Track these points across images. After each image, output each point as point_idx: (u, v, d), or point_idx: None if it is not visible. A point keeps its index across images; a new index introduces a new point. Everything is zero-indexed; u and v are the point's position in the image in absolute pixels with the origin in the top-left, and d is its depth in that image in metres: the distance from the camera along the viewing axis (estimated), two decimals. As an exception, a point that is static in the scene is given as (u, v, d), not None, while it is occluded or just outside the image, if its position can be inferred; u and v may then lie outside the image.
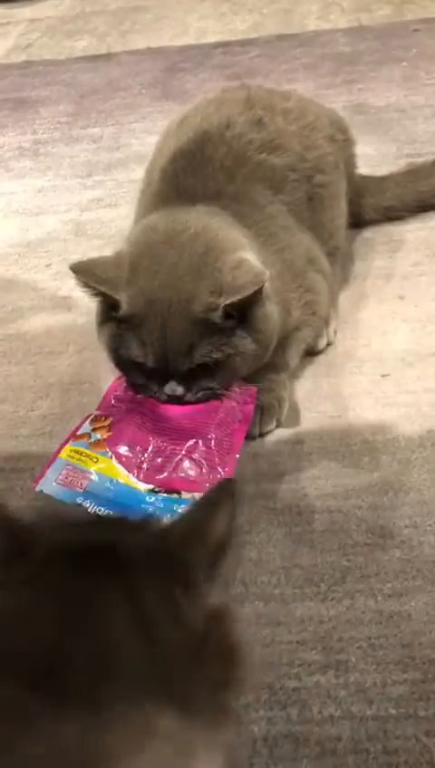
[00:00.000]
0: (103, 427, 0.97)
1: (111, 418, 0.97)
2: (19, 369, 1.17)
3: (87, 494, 0.90)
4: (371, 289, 1.24)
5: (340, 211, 1.20)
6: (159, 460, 0.92)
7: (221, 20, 2.37)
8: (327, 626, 0.81)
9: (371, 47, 2.04)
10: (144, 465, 0.92)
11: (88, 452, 0.94)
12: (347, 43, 2.09)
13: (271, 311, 0.94)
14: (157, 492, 0.89)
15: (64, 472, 0.92)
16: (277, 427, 1.02)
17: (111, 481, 0.90)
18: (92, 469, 0.92)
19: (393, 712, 0.73)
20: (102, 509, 0.88)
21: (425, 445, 0.98)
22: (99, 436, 0.95)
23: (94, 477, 0.91)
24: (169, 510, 0.87)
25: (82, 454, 0.94)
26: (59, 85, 2.06)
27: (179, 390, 0.93)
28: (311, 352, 1.12)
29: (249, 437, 1.01)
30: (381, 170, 1.46)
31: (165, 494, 0.89)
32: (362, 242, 1.34)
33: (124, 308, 0.91)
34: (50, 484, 0.90)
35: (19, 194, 1.60)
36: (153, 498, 0.89)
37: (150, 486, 0.90)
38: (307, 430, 1.02)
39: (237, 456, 0.93)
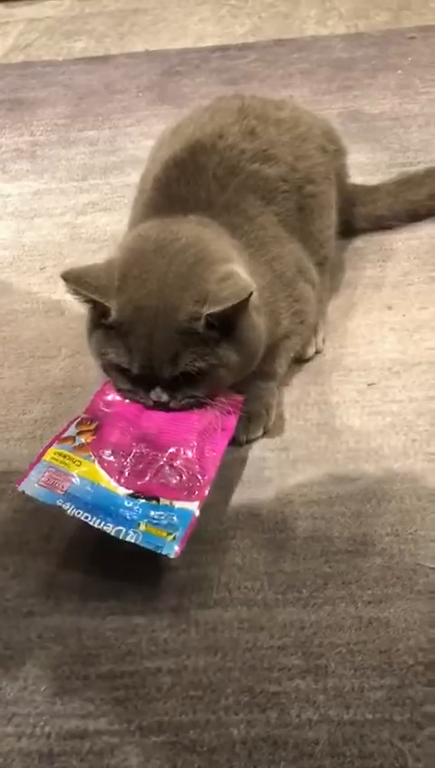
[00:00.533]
0: (89, 430, 0.98)
1: (96, 422, 0.99)
2: (11, 372, 1.18)
3: (67, 496, 0.91)
4: (360, 298, 1.26)
5: (330, 221, 1.21)
6: (141, 466, 0.93)
7: (220, 23, 2.38)
8: (308, 631, 0.83)
9: (367, 54, 2.06)
10: (126, 471, 0.93)
11: (71, 455, 0.95)
12: (344, 49, 2.10)
13: (256, 323, 0.95)
14: (136, 497, 0.90)
15: (47, 474, 0.93)
16: (264, 434, 1.04)
17: (92, 485, 0.91)
18: (75, 472, 0.93)
19: (370, 717, 0.75)
20: (81, 512, 0.89)
21: (408, 453, 1.00)
22: (83, 439, 0.97)
23: (76, 480, 0.92)
24: (146, 516, 0.88)
25: (65, 457, 0.95)
26: (57, 86, 2.07)
27: (164, 397, 0.94)
28: (299, 360, 1.13)
29: (236, 444, 1.03)
30: (374, 179, 1.48)
31: (144, 500, 0.90)
32: (352, 251, 1.36)
33: (113, 315, 0.93)
34: (32, 485, 0.92)
35: (15, 196, 1.62)
36: (132, 503, 0.90)
37: (130, 492, 0.91)
38: (293, 438, 1.04)
39: (218, 464, 0.93)
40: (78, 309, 1.26)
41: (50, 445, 0.97)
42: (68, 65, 2.19)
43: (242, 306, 0.90)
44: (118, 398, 1.01)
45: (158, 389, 0.94)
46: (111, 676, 0.81)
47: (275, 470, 1.00)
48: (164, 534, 0.86)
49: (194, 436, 0.94)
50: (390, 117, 1.75)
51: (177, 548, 0.84)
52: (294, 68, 2.03)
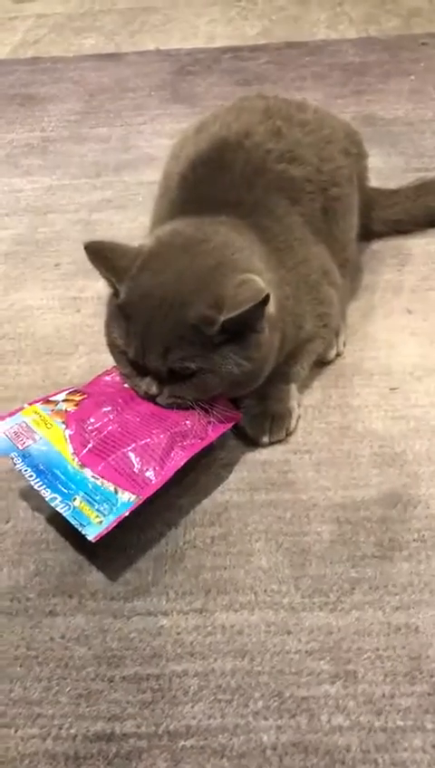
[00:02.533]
0: (74, 401, 0.99)
1: (85, 396, 1.00)
2: (28, 368, 1.17)
3: (24, 452, 0.93)
4: (379, 302, 1.25)
5: (352, 224, 1.21)
6: (105, 447, 0.92)
7: (230, 24, 2.38)
8: (336, 636, 0.82)
9: (379, 59, 2.06)
10: (88, 446, 0.93)
11: (46, 417, 0.97)
12: (356, 53, 2.11)
13: (266, 341, 0.93)
14: (85, 472, 0.90)
15: (17, 427, 0.96)
16: (287, 436, 1.03)
17: (51, 449, 0.93)
18: (41, 433, 0.94)
19: (401, 723, 0.74)
20: (29, 471, 0.91)
21: (432, 459, 0.99)
22: (65, 407, 0.98)
23: (38, 440, 0.94)
24: (86, 493, 0.88)
25: (40, 416, 0.97)
26: (67, 83, 2.06)
27: (153, 389, 0.94)
28: (320, 362, 1.13)
29: (259, 446, 1.02)
30: (390, 183, 1.48)
31: (91, 478, 0.89)
32: (370, 254, 1.35)
33: (121, 296, 0.93)
34: None
35: (27, 191, 1.60)
36: (79, 476, 0.90)
37: (81, 464, 0.91)
38: (316, 441, 1.03)
39: (176, 470, 0.91)
40: (94, 306, 1.27)
41: (34, 402, 1.00)
42: (78, 62, 2.18)
43: (257, 315, 0.89)
44: (118, 380, 1.02)
45: (148, 379, 0.94)
46: (137, 679, 0.80)
47: (299, 473, 0.99)
48: (93, 516, 0.86)
49: (166, 436, 0.92)
50: (404, 122, 1.75)
51: (98, 532, 0.84)
52: (306, 71, 2.03)
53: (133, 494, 0.88)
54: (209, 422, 0.96)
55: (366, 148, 1.34)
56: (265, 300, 0.88)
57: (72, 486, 0.89)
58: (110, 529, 0.85)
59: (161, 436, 0.92)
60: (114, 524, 0.85)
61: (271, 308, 0.92)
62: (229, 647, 0.82)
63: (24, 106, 1.95)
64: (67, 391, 1.01)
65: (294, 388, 1.06)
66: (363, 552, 0.89)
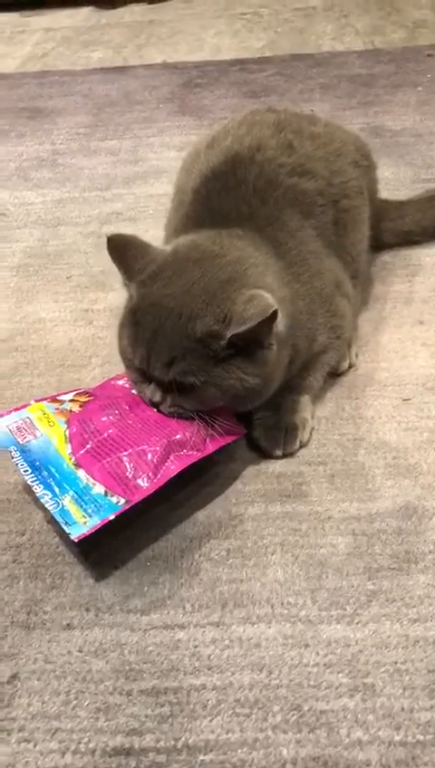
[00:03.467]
0: (80, 402, 1.01)
1: (92, 397, 1.01)
2: (42, 380, 1.18)
3: (23, 447, 0.95)
4: (390, 312, 1.26)
5: (363, 235, 1.21)
6: (103, 449, 0.93)
7: (236, 37, 2.40)
8: (354, 649, 0.82)
9: (386, 70, 2.08)
10: (88, 445, 0.93)
11: (50, 414, 0.98)
12: (362, 65, 2.12)
13: (273, 358, 0.93)
14: (79, 472, 0.91)
15: (20, 422, 0.98)
16: (301, 447, 1.03)
17: (49, 446, 0.94)
18: (43, 430, 0.96)
19: (421, 738, 0.74)
20: (24, 465, 0.93)
21: (447, 470, 0.99)
22: (70, 407, 0.99)
23: (39, 436, 0.96)
24: (76, 492, 0.89)
25: (44, 414, 0.99)
26: (76, 96, 2.08)
27: (157, 397, 0.95)
28: (332, 374, 1.13)
29: (273, 457, 1.02)
30: (399, 194, 1.49)
31: (84, 478, 0.90)
32: (380, 265, 1.36)
33: (132, 302, 0.95)
34: (1, 426, 0.98)
35: (38, 204, 1.61)
36: (72, 476, 0.91)
37: (76, 464, 0.92)
38: (330, 452, 1.03)
39: (168, 479, 0.91)
40: (107, 318, 1.28)
41: (42, 399, 1.02)
42: (86, 75, 2.20)
43: (265, 328, 0.89)
44: (127, 385, 1.03)
45: (152, 387, 0.95)
46: (155, 692, 0.80)
47: (314, 485, 0.99)
48: (79, 516, 0.87)
49: (163, 444, 0.93)
50: (412, 133, 1.76)
51: (82, 533, 0.86)
52: (313, 83, 2.05)
53: (122, 498, 0.89)
54: (209, 435, 0.96)
55: (375, 160, 1.34)
56: (273, 316, 0.88)
57: (65, 485, 0.91)
58: (94, 530, 0.86)
59: (159, 444, 0.93)
60: (99, 526, 0.86)
61: (280, 325, 0.93)
62: (247, 660, 0.82)
63: (33, 119, 1.96)
64: (75, 392, 1.03)
65: (307, 399, 1.07)
66: (380, 564, 0.89)
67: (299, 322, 1.00)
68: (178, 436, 0.94)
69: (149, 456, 0.92)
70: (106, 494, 0.89)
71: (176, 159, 1.65)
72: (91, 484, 0.90)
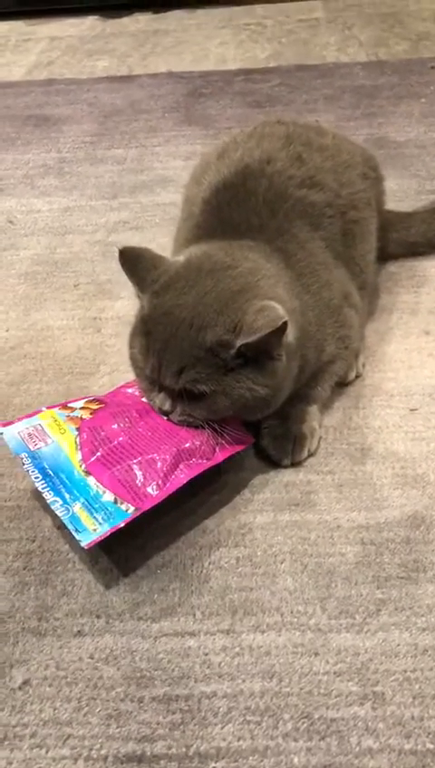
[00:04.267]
0: (91, 409, 1.02)
1: (103, 405, 1.02)
2: (50, 387, 1.18)
3: (34, 453, 0.96)
4: (396, 323, 1.27)
5: (371, 246, 1.22)
6: (113, 457, 0.94)
7: (241, 47, 2.42)
8: (363, 657, 0.82)
9: (389, 82, 2.09)
10: (97, 454, 0.94)
11: (61, 422, 1.00)
12: (366, 76, 2.13)
13: (282, 369, 0.94)
14: (89, 479, 0.92)
15: (32, 429, 0.99)
16: (309, 456, 1.04)
17: (60, 453, 0.95)
18: (54, 437, 0.97)
19: (431, 746, 0.75)
20: (35, 472, 0.94)
21: (454, 480, 1.00)
22: (80, 414, 1.00)
23: (49, 443, 0.97)
24: (87, 500, 0.90)
25: (56, 421, 1.00)
26: (81, 104, 2.09)
27: (166, 406, 0.96)
28: (340, 384, 1.14)
29: (281, 466, 1.03)
30: (404, 205, 1.50)
31: (94, 486, 0.91)
32: (386, 276, 1.37)
33: (144, 311, 0.96)
34: (13, 432, 0.99)
35: (45, 212, 1.62)
36: (83, 483, 0.92)
37: (87, 472, 0.93)
38: (338, 462, 1.04)
39: (179, 488, 0.92)
40: (114, 326, 1.29)
41: (53, 407, 1.03)
42: (92, 83, 2.21)
43: (275, 339, 0.89)
44: (137, 393, 1.04)
45: (162, 395, 0.96)
46: (166, 700, 0.80)
47: (322, 494, 1.00)
48: (90, 523, 0.88)
49: (173, 453, 0.93)
50: (416, 145, 1.77)
51: (92, 539, 0.86)
52: (317, 93, 2.06)
53: (132, 505, 0.90)
54: (218, 443, 0.96)
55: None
56: (283, 328, 0.89)
57: (75, 492, 0.91)
58: (103, 538, 0.87)
59: (168, 452, 0.93)
60: (109, 534, 0.87)
61: (290, 336, 0.94)
62: (257, 668, 0.82)
63: (39, 127, 1.97)
64: (86, 399, 1.04)
65: (315, 409, 1.07)
66: (388, 573, 0.90)
67: (308, 333, 1.01)
68: (187, 445, 0.95)
69: (159, 464, 0.93)
70: (116, 501, 0.90)
71: (182, 168, 1.67)
72: (101, 492, 0.91)
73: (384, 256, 1.37)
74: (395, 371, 1.17)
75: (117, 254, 0.99)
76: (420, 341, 1.22)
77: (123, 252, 0.98)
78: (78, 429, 0.98)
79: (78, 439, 0.97)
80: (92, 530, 0.88)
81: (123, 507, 0.90)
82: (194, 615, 0.87)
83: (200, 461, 0.95)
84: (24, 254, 1.49)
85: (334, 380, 1.10)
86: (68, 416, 1.01)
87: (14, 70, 2.35)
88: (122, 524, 0.88)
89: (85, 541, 0.87)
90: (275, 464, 1.03)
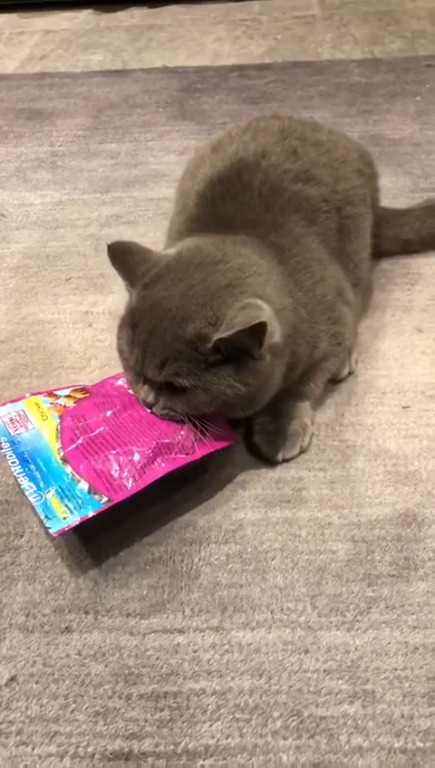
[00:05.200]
0: (76, 398, 1.02)
1: (88, 395, 1.02)
2: (41, 382, 1.17)
3: (13, 438, 0.97)
4: (389, 320, 1.26)
5: (365, 243, 1.22)
6: (93, 447, 0.94)
7: (236, 43, 2.40)
8: (354, 655, 0.82)
9: (385, 79, 2.08)
10: (77, 441, 0.94)
11: (45, 409, 1.00)
12: (361, 74, 2.13)
13: (265, 369, 0.93)
14: (66, 467, 0.92)
15: (14, 414, 1.00)
16: (301, 453, 1.03)
17: (40, 440, 0.95)
18: (35, 423, 0.98)
19: (421, 745, 0.74)
20: (12, 456, 0.95)
21: (446, 478, 1.00)
22: (64, 402, 1.01)
23: (30, 429, 0.97)
24: (60, 487, 0.90)
25: (39, 407, 1.00)
26: (75, 98, 2.07)
27: (150, 398, 0.95)
28: (332, 380, 1.13)
29: (273, 463, 1.02)
30: (398, 203, 1.49)
31: (70, 474, 0.91)
32: (380, 273, 1.36)
33: (132, 304, 0.96)
34: None
35: (37, 206, 1.61)
36: (59, 470, 0.92)
37: (63, 459, 0.93)
38: (330, 458, 1.03)
39: (154, 481, 0.92)
40: (106, 321, 1.28)
41: (38, 393, 1.04)
42: (86, 77, 2.19)
43: (253, 337, 0.88)
44: (124, 385, 1.03)
45: (146, 388, 0.95)
46: (154, 697, 0.79)
47: (313, 490, 0.99)
48: (60, 510, 0.88)
49: (151, 446, 0.93)
50: (411, 142, 1.77)
51: (60, 527, 0.87)
52: (312, 90, 2.05)
53: (105, 496, 0.89)
54: (199, 440, 0.96)
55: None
56: (262, 328, 0.87)
57: (50, 479, 0.92)
58: (73, 526, 0.87)
59: (147, 445, 0.93)
60: (78, 522, 0.87)
61: (276, 336, 0.92)
62: (246, 665, 0.81)
63: (32, 120, 1.96)
64: (72, 388, 1.04)
65: (308, 405, 1.07)
66: (379, 570, 0.89)
67: (300, 331, 1.00)
68: (167, 440, 0.94)
69: (137, 456, 0.92)
70: (90, 491, 0.90)
71: (175, 163, 1.66)
72: (76, 481, 0.91)
73: (378, 253, 1.36)
74: (388, 368, 1.17)
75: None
76: (413, 339, 1.22)
77: (112, 247, 0.98)
78: (60, 417, 0.98)
79: (59, 427, 0.97)
80: (63, 518, 0.88)
81: (96, 497, 0.89)
82: (183, 612, 0.86)
83: (179, 456, 0.94)
84: (16, 247, 1.48)
85: (327, 377, 1.10)
86: (52, 403, 1.01)
87: (8, 63, 2.33)
88: (92, 514, 0.88)
89: (55, 528, 0.87)
90: (266, 460, 1.03)
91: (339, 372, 1.13)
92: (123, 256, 0.98)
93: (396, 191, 1.57)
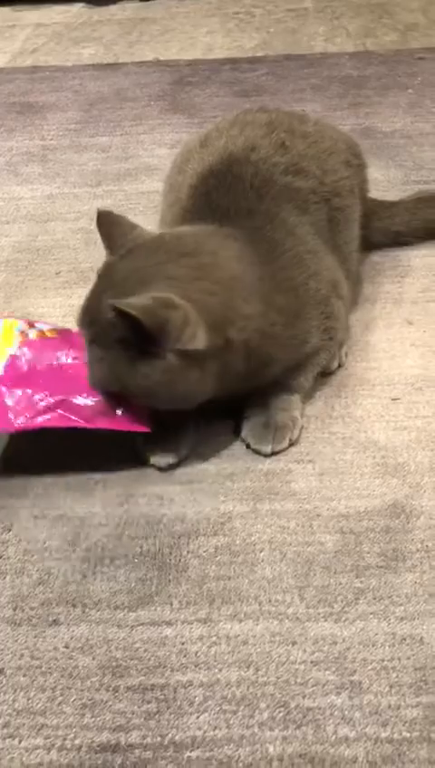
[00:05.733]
0: (45, 335, 1.06)
1: (56, 337, 1.05)
2: (30, 376, 1.17)
3: None
4: (379, 313, 1.26)
5: (354, 234, 1.22)
6: (21, 380, 0.98)
7: (228, 36, 2.40)
8: (341, 647, 0.82)
9: (377, 72, 2.08)
10: (11, 371, 0.99)
11: (13, 333, 1.04)
12: (354, 66, 2.13)
13: (173, 371, 0.90)
14: None
15: None
16: (290, 446, 1.03)
17: None
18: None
19: (407, 735, 0.74)
20: None
21: (435, 470, 1.00)
22: (32, 334, 1.05)
23: None
24: None
25: (9, 330, 1.04)
26: (67, 92, 2.07)
27: (86, 359, 0.97)
28: (322, 373, 1.13)
29: (262, 455, 1.02)
30: (389, 195, 1.49)
31: None
32: (370, 265, 1.36)
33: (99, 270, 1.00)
34: None
35: (27, 199, 1.61)
36: None
37: None
38: (319, 451, 1.03)
39: (38, 428, 0.96)
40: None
41: (21, 319, 1.09)
42: (77, 71, 2.19)
43: (134, 327, 0.86)
44: None
45: (86, 349, 0.97)
46: (142, 689, 0.79)
47: (302, 483, 0.99)
48: None
49: (59, 398, 0.97)
50: (402, 135, 1.76)
51: None
52: (304, 83, 2.05)
53: None
54: (106, 414, 0.97)
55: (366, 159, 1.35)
56: (137, 322, 0.85)
57: None
58: None
59: (56, 395, 0.97)
60: None
61: (194, 344, 0.89)
62: (234, 657, 0.81)
63: (23, 114, 1.95)
64: (50, 327, 1.08)
65: (297, 398, 1.07)
66: (367, 562, 0.89)
67: (272, 336, 0.98)
68: (75, 400, 0.97)
69: (40, 400, 0.97)
70: None
71: (167, 157, 1.65)
72: None
73: (368, 245, 1.36)
74: (378, 361, 1.16)
75: (98, 243, 0.99)
76: (403, 331, 1.22)
77: (101, 214, 1.00)
78: (19, 345, 1.02)
79: (9, 352, 1.01)
80: None
81: None
82: (171, 604, 0.86)
83: (77, 419, 0.97)
84: (6, 241, 1.48)
85: (317, 370, 1.10)
86: (22, 330, 1.05)
87: (-1, 56, 2.33)
88: None
89: None
90: (255, 452, 1.03)
91: (329, 365, 1.13)
92: (109, 225, 1.00)
93: (387, 183, 1.57)
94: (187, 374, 0.92)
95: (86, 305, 0.97)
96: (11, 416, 0.96)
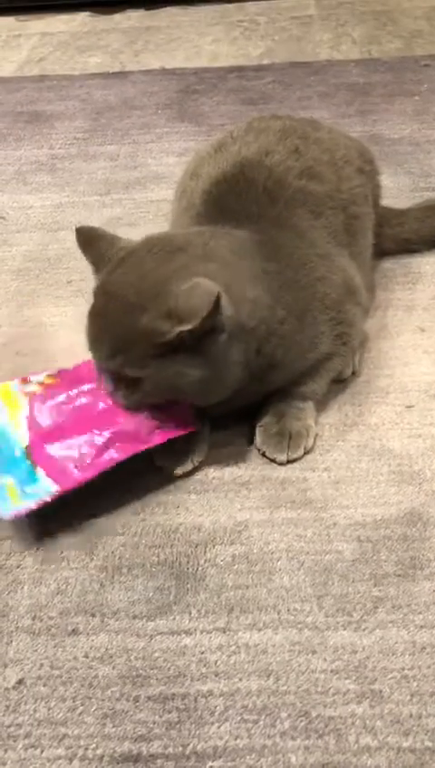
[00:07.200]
0: (46, 384, 1.03)
1: (59, 380, 1.03)
2: (43, 385, 1.17)
3: None
4: (391, 320, 1.26)
5: (368, 242, 1.22)
6: (51, 433, 0.95)
7: (234, 44, 2.41)
8: (361, 655, 0.82)
9: (383, 79, 2.08)
10: (40, 428, 0.96)
11: (15, 394, 1.01)
12: (360, 74, 2.13)
13: (220, 350, 0.90)
14: (27, 456, 0.93)
15: None
16: (305, 454, 1.03)
17: (6, 426, 0.97)
18: (5, 409, 0.98)
19: (430, 744, 0.74)
20: None
21: (450, 477, 1.00)
22: (34, 389, 1.01)
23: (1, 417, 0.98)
24: (17, 477, 0.92)
25: (9, 393, 1.01)
26: (74, 100, 2.07)
27: (109, 387, 0.95)
28: (335, 380, 1.13)
29: (277, 464, 1.02)
30: (398, 202, 1.49)
31: (29, 463, 0.93)
32: (381, 272, 1.36)
33: (94, 291, 0.96)
34: None
35: (37, 208, 1.61)
36: (19, 458, 0.93)
37: (25, 447, 0.94)
38: (334, 459, 1.03)
39: (103, 470, 0.93)
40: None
41: (13, 379, 1.04)
42: (84, 80, 2.19)
43: (214, 317, 0.86)
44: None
45: (106, 377, 0.95)
46: (162, 699, 0.79)
47: (318, 491, 0.99)
48: (14, 496, 0.91)
49: (106, 435, 0.94)
50: (410, 142, 1.77)
51: (11, 514, 0.90)
52: (311, 90, 2.05)
53: (55, 483, 0.91)
54: (158, 427, 0.96)
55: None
56: (218, 302, 0.85)
57: (10, 466, 0.93)
58: (25, 512, 0.90)
59: (102, 433, 0.94)
60: (29, 510, 0.90)
61: (229, 311, 0.89)
62: (254, 666, 0.81)
63: (31, 123, 1.96)
64: (46, 373, 1.05)
65: (311, 406, 1.07)
66: (385, 570, 0.89)
67: (276, 333, 0.97)
68: (123, 427, 0.95)
69: (89, 444, 0.94)
70: (43, 478, 0.92)
71: (175, 165, 1.66)
72: (33, 466, 0.93)
73: (379, 253, 1.36)
74: (391, 368, 1.17)
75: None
76: (416, 338, 1.22)
77: (80, 231, 0.98)
78: (28, 403, 0.99)
79: (24, 413, 0.98)
80: (15, 503, 0.90)
81: (47, 484, 0.91)
82: (190, 613, 0.86)
83: (134, 444, 0.95)
84: (17, 250, 1.48)
85: (331, 377, 1.10)
86: (23, 389, 1.02)
87: (5, 66, 2.33)
88: (40, 503, 0.90)
89: (5, 513, 0.90)
90: (270, 461, 1.03)
91: (343, 373, 1.13)
92: (91, 242, 0.98)
93: (396, 191, 1.57)
94: (230, 352, 0.92)
95: (97, 337, 0.93)
96: (74, 470, 0.92)
